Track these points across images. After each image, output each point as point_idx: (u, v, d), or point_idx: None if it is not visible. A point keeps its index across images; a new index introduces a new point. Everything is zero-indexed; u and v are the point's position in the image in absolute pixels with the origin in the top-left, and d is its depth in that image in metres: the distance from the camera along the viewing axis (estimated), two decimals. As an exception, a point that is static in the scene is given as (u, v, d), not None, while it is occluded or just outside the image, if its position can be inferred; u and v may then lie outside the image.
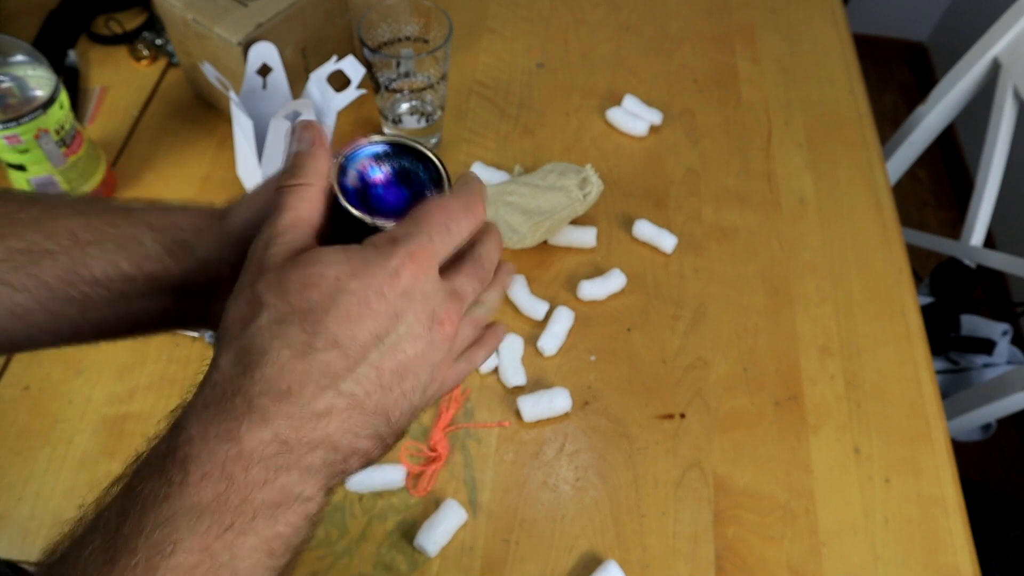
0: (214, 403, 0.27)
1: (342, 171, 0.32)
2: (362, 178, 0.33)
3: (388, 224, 0.31)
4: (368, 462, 0.30)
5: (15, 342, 0.33)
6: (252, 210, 0.35)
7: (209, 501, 0.25)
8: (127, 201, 0.37)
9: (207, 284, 0.35)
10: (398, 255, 0.29)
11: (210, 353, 0.65)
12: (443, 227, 0.30)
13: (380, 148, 0.33)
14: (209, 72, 0.66)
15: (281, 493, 0.27)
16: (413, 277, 0.29)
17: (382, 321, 0.28)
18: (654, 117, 0.83)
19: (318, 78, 0.68)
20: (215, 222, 0.36)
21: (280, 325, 0.28)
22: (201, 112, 0.81)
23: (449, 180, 0.33)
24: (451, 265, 0.32)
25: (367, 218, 0.31)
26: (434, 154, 0.34)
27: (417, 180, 0.33)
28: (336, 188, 0.32)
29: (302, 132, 0.32)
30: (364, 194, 0.32)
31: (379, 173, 0.33)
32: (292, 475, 0.27)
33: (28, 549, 0.54)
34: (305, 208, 0.31)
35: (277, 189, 0.31)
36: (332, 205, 0.32)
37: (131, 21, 0.88)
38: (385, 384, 0.29)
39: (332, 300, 0.28)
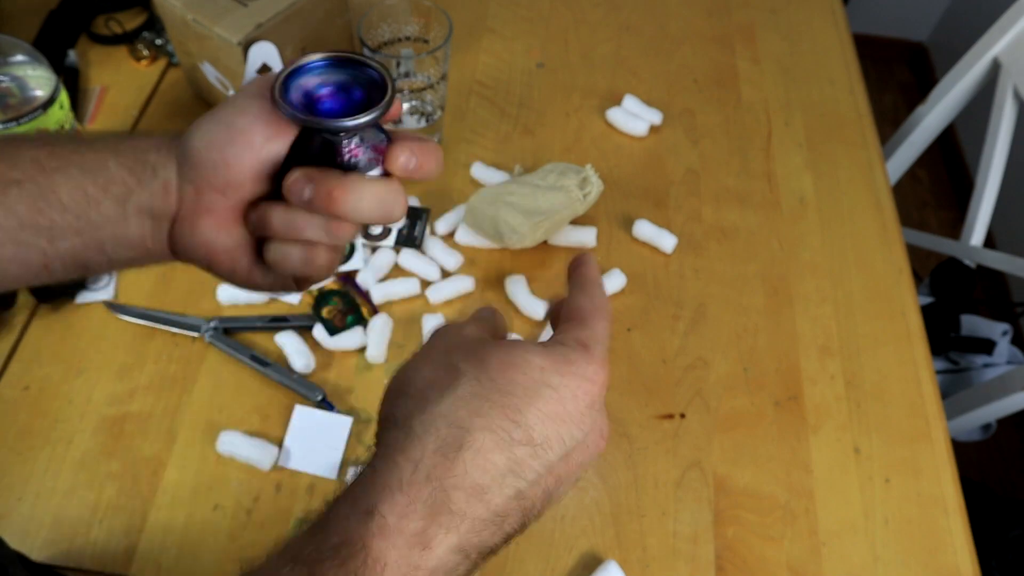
0: (411, 487, 0.26)
1: (285, 87, 0.33)
2: (306, 92, 0.33)
3: (340, 124, 0.32)
4: None
5: None
6: (209, 128, 0.35)
7: None
8: (91, 133, 0.36)
9: (170, 205, 0.35)
10: (592, 361, 0.29)
11: (210, 353, 0.65)
12: (610, 332, 0.31)
13: (323, 61, 0.34)
14: (209, 72, 0.66)
15: None
16: (601, 387, 0.30)
17: (571, 424, 0.28)
18: (654, 117, 0.83)
19: (318, 78, 0.68)
20: (174, 142, 0.35)
21: (481, 402, 0.27)
22: (201, 112, 0.80)
23: (393, 85, 0.33)
24: None
25: (319, 122, 0.32)
26: (377, 63, 0.34)
27: (360, 90, 0.34)
28: (280, 102, 0.32)
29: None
30: (310, 104, 0.33)
31: (323, 85, 0.34)
32: None
33: (28, 549, 0.54)
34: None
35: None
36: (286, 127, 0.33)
37: (131, 21, 0.87)
38: (549, 490, 0.29)
39: (534, 390, 0.28)
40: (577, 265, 0.35)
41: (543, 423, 0.28)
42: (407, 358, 0.31)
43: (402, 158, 0.33)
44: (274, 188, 0.35)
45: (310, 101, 0.33)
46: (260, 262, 0.36)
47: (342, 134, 0.32)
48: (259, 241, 0.36)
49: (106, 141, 0.35)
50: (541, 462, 0.28)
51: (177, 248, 0.36)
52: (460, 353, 0.29)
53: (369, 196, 0.32)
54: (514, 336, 0.66)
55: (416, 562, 0.25)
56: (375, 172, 0.34)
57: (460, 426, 0.27)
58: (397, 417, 0.28)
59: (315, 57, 0.34)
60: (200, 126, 0.35)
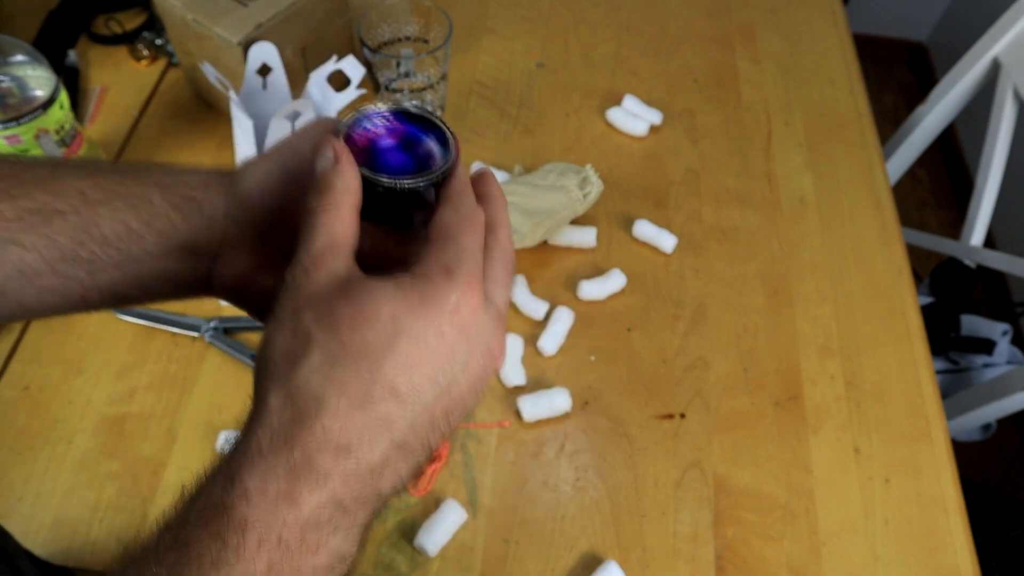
0: (270, 452, 0.26)
1: (348, 134, 0.32)
2: (368, 141, 0.33)
3: (400, 182, 0.31)
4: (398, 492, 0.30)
5: (25, 306, 0.33)
6: (264, 170, 0.34)
7: (263, 573, 0.25)
8: (135, 163, 0.36)
9: (213, 243, 0.35)
10: (456, 287, 0.28)
11: (210, 353, 0.65)
12: (480, 244, 0.29)
13: (387, 113, 0.33)
14: (209, 72, 0.66)
15: (329, 557, 0.26)
16: (471, 311, 0.28)
17: (440, 363, 0.28)
18: (654, 117, 0.83)
19: (318, 78, 0.68)
20: (224, 180, 0.35)
21: (334, 368, 0.27)
22: (201, 112, 0.81)
23: (457, 146, 0.33)
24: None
25: (379, 178, 0.31)
26: (442, 121, 0.33)
27: (423, 146, 0.33)
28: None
29: (322, 149, 0.31)
30: (369, 157, 0.32)
31: (385, 138, 0.33)
32: (341, 536, 0.27)
33: (28, 549, 0.54)
34: (339, 228, 0.29)
35: (308, 209, 0.30)
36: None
37: (131, 21, 0.88)
38: (436, 424, 0.28)
39: (389, 342, 0.27)
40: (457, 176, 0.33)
41: (406, 373, 0.27)
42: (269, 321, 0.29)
43: None
44: None
45: (371, 153, 0.32)
46: None
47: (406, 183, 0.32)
48: None
49: (151, 174, 0.35)
50: (413, 410, 0.27)
51: (216, 286, 0.36)
52: (310, 313, 0.27)
53: None
54: (515, 337, 0.66)
55: (283, 518, 0.25)
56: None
57: (314, 397, 0.26)
58: (258, 391, 0.28)
59: (381, 107, 0.33)
60: (255, 168, 0.35)
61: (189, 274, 0.35)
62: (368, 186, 0.31)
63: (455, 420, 0.29)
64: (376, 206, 0.32)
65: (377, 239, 0.32)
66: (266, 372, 0.28)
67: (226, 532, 0.25)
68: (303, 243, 0.29)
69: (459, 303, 0.28)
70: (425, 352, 0.27)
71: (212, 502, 0.26)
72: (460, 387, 0.29)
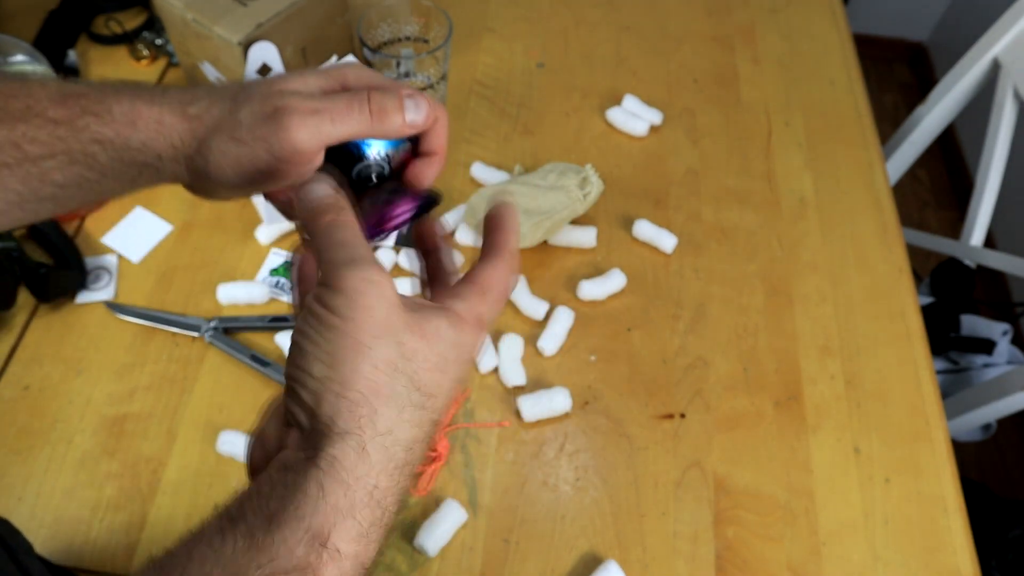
0: (362, 511, 0.27)
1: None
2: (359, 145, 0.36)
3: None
4: None
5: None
6: (220, 159, 0.32)
7: None
8: (62, 92, 0.32)
9: (180, 179, 0.34)
10: (480, 336, 0.31)
11: (210, 353, 0.65)
12: (505, 296, 0.33)
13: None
14: (209, 72, 0.66)
15: None
16: (475, 343, 0.31)
17: (455, 378, 0.31)
18: (654, 117, 0.83)
19: (318, 78, 0.68)
20: (177, 148, 0.33)
21: (417, 412, 0.28)
22: (201, 112, 0.81)
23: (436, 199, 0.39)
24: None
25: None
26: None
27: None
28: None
29: (315, 189, 0.32)
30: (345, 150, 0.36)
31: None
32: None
33: (28, 549, 0.54)
34: (352, 237, 0.30)
35: (313, 230, 0.30)
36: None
37: (131, 21, 0.87)
38: (439, 422, 0.31)
39: (446, 386, 0.30)
40: (492, 225, 0.34)
41: (445, 400, 0.30)
42: (328, 335, 0.28)
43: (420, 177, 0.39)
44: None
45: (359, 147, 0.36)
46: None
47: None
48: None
49: (83, 127, 0.31)
50: (439, 417, 0.30)
51: (193, 176, 0.34)
52: (394, 349, 0.27)
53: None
54: (515, 337, 0.65)
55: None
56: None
57: (408, 447, 0.28)
58: (341, 426, 0.26)
59: None
60: (210, 155, 0.32)
61: (157, 182, 0.35)
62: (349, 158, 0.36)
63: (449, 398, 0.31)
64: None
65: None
66: (353, 403, 0.27)
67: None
68: (326, 265, 0.29)
69: (476, 342, 0.31)
70: (456, 368, 0.30)
71: (298, 564, 0.25)
72: (456, 387, 0.31)
